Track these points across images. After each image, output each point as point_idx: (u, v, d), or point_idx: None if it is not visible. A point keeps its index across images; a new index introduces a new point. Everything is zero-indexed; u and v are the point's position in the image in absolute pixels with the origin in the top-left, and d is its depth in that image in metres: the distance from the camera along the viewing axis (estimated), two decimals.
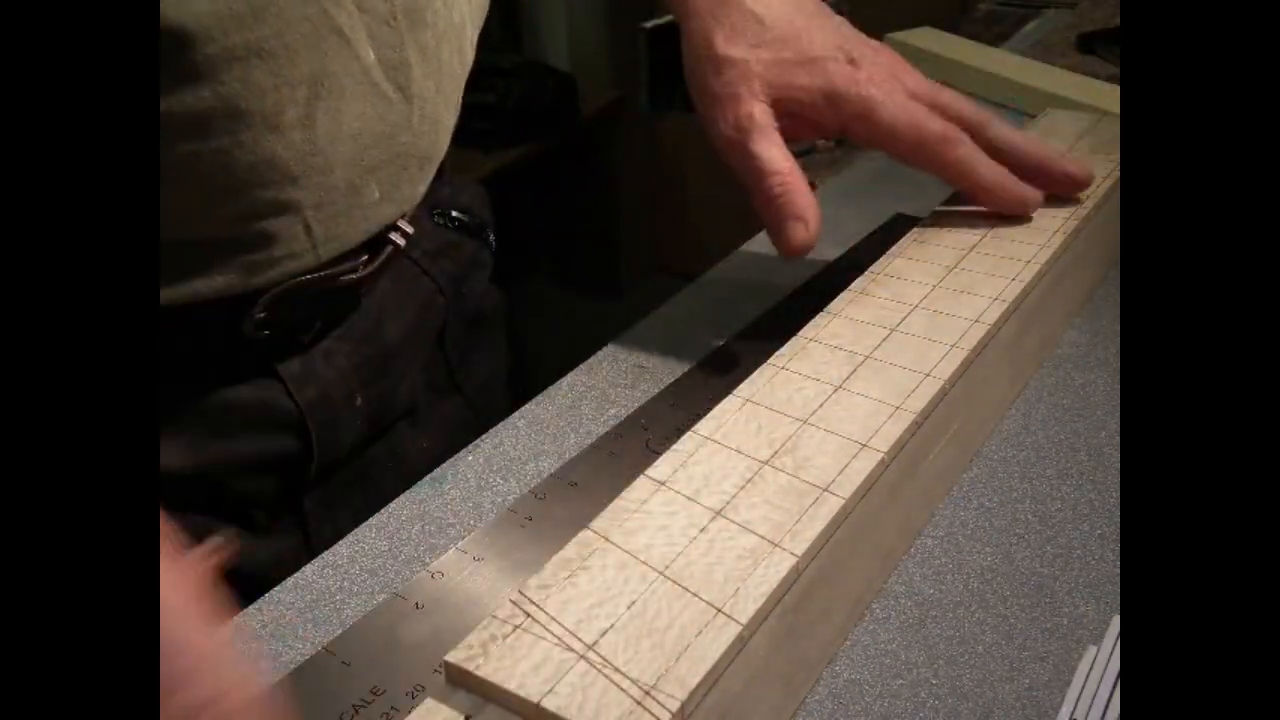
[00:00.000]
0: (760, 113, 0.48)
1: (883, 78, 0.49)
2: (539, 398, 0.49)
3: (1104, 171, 0.53)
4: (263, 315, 0.44)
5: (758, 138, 0.47)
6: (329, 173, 0.42)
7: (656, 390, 0.49)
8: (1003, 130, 0.50)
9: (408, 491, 0.43)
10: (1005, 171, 0.49)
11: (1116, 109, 0.75)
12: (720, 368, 0.50)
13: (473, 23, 0.51)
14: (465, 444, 0.46)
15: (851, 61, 0.49)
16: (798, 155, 0.77)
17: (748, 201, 0.80)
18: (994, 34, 1.05)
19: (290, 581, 0.39)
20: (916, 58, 0.94)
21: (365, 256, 0.47)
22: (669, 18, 0.60)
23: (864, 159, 0.76)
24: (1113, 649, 0.35)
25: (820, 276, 0.59)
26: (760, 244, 0.64)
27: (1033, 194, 0.49)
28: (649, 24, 0.79)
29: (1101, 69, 0.90)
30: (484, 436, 0.47)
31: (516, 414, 0.48)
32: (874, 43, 0.51)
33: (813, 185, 0.74)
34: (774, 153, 0.47)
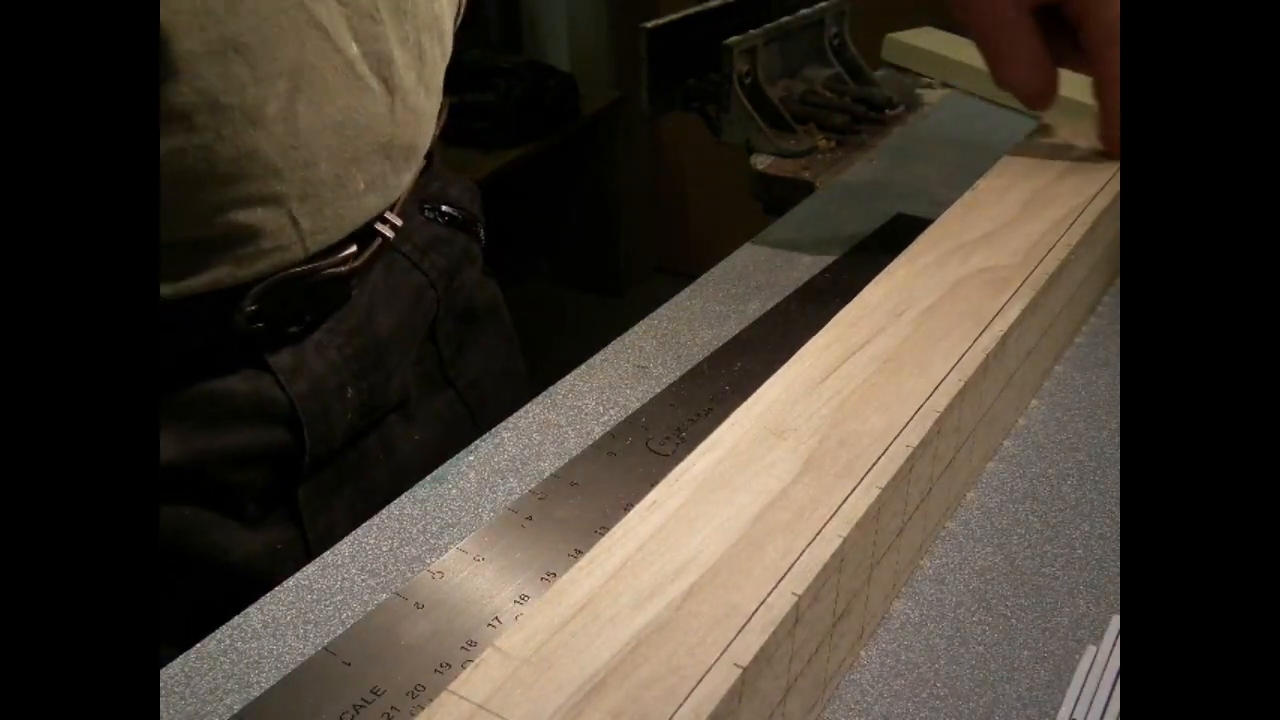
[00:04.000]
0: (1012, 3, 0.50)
1: None
2: (539, 398, 0.49)
3: (1106, 174, 0.53)
4: (253, 308, 0.44)
5: (1008, 30, 0.50)
6: (313, 165, 0.43)
7: (656, 390, 0.49)
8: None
9: (408, 491, 0.43)
10: None
11: None
12: (720, 368, 0.51)
13: (449, 12, 0.51)
14: (457, 437, 0.46)
15: None
16: (798, 156, 0.78)
17: (748, 201, 0.81)
18: None
19: (290, 582, 0.39)
20: (916, 58, 0.94)
21: (354, 249, 0.47)
22: (669, 17, 0.59)
23: (864, 159, 0.76)
24: (1112, 649, 0.35)
25: (821, 276, 0.59)
26: (760, 244, 0.64)
27: None
28: (649, 24, 0.79)
29: None
30: (484, 436, 0.47)
31: (517, 414, 0.48)
32: None
33: (812, 186, 0.74)
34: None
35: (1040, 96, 0.52)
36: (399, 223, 0.50)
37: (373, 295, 0.51)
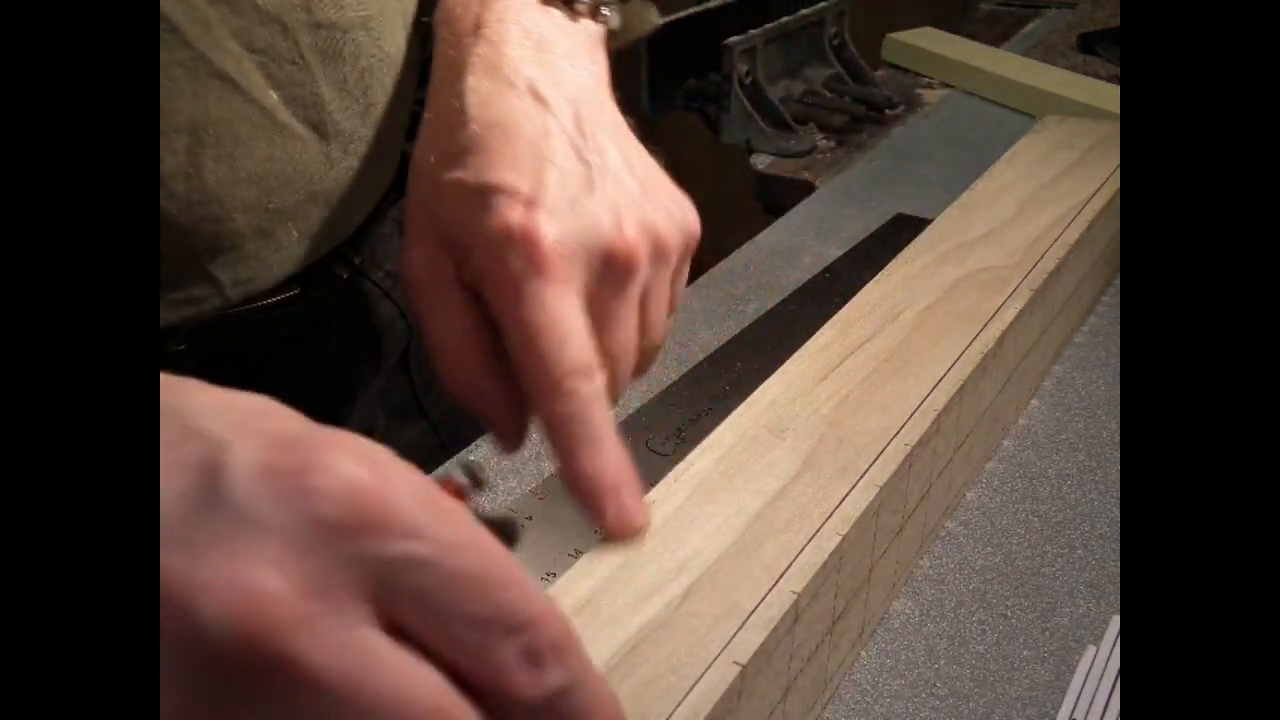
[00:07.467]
0: (424, 259, 0.34)
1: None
2: None
3: (1104, 174, 0.53)
4: (181, 348, 0.42)
5: (428, 296, 0.34)
6: (226, 220, 0.40)
7: (657, 390, 0.49)
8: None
9: None
10: (621, 461, 0.30)
11: (1116, 109, 0.75)
12: (720, 368, 0.51)
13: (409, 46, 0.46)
14: (429, 471, 0.45)
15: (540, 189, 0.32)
16: (798, 156, 0.78)
17: (748, 201, 0.81)
18: (994, 34, 1.05)
19: None
20: (916, 58, 0.94)
21: (296, 290, 0.44)
22: (669, 17, 0.59)
23: (864, 159, 0.76)
24: (1112, 649, 0.35)
25: (821, 276, 0.59)
26: (760, 244, 0.64)
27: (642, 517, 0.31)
28: None
29: (1101, 69, 0.90)
30: (484, 437, 0.46)
31: None
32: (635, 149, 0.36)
33: (812, 186, 0.74)
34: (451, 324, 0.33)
35: (492, 414, 0.33)
36: (358, 260, 0.47)
37: (335, 326, 0.49)
